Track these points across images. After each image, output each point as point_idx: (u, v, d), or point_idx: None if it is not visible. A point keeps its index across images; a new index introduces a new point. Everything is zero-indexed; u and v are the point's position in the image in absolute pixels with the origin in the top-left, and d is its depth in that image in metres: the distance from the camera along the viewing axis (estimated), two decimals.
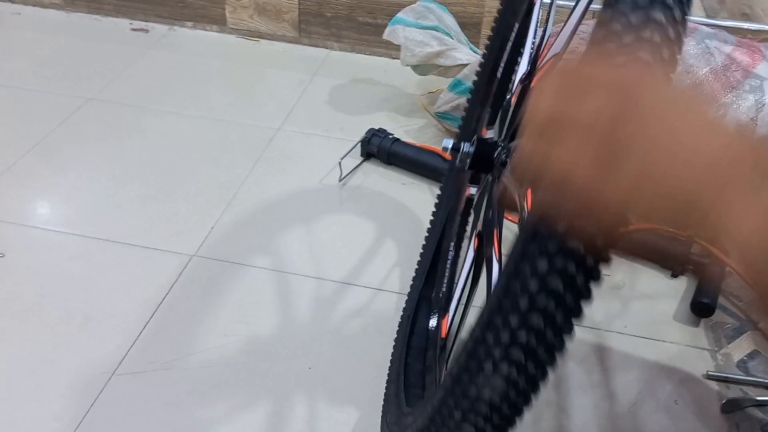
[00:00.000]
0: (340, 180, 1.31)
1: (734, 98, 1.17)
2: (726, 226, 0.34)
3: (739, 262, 0.35)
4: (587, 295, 0.40)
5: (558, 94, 0.39)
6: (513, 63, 0.98)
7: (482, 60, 1.05)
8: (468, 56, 1.40)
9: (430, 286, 0.99)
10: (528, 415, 0.47)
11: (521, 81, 0.79)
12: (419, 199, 1.27)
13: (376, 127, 1.39)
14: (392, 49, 1.68)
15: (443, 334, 0.89)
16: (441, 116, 1.45)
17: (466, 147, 0.74)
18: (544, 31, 0.83)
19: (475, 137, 0.74)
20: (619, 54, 0.39)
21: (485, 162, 0.73)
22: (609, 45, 0.40)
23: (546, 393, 0.92)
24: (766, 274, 0.34)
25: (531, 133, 0.39)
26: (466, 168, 0.75)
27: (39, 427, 0.84)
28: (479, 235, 0.79)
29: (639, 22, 0.40)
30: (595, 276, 0.40)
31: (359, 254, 1.14)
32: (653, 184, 0.36)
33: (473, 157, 0.73)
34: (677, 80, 0.39)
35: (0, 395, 0.88)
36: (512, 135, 0.72)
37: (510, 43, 0.95)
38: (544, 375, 0.43)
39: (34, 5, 1.86)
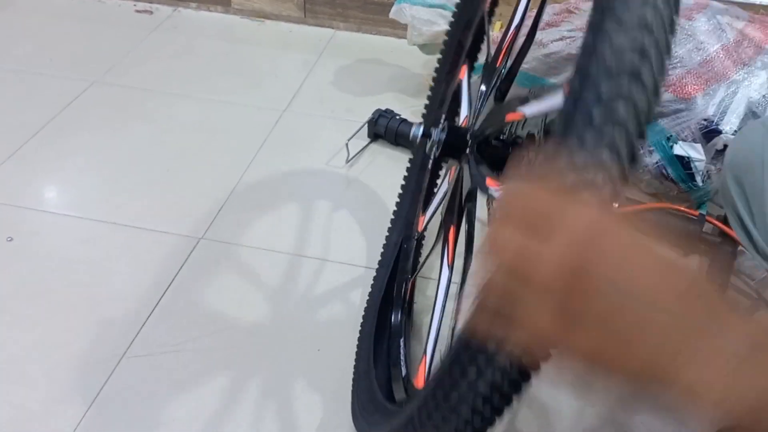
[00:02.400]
0: (348, 161, 1.30)
1: (746, 75, 1.15)
2: (686, 386, 0.34)
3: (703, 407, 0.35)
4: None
5: (519, 227, 0.38)
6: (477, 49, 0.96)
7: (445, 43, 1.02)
8: None
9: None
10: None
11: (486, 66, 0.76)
12: None
13: (383, 108, 1.38)
14: (399, 29, 1.66)
15: None
16: None
17: (436, 134, 0.71)
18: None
19: (444, 122, 0.71)
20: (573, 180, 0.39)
21: (457, 147, 0.70)
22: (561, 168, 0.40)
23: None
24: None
25: (495, 269, 0.39)
26: (437, 154, 0.72)
27: (51, 409, 0.85)
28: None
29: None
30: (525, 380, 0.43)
31: (367, 235, 1.14)
32: (613, 348, 0.36)
33: (445, 143, 0.70)
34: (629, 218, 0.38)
35: (12, 378, 0.88)
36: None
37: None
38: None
39: None
